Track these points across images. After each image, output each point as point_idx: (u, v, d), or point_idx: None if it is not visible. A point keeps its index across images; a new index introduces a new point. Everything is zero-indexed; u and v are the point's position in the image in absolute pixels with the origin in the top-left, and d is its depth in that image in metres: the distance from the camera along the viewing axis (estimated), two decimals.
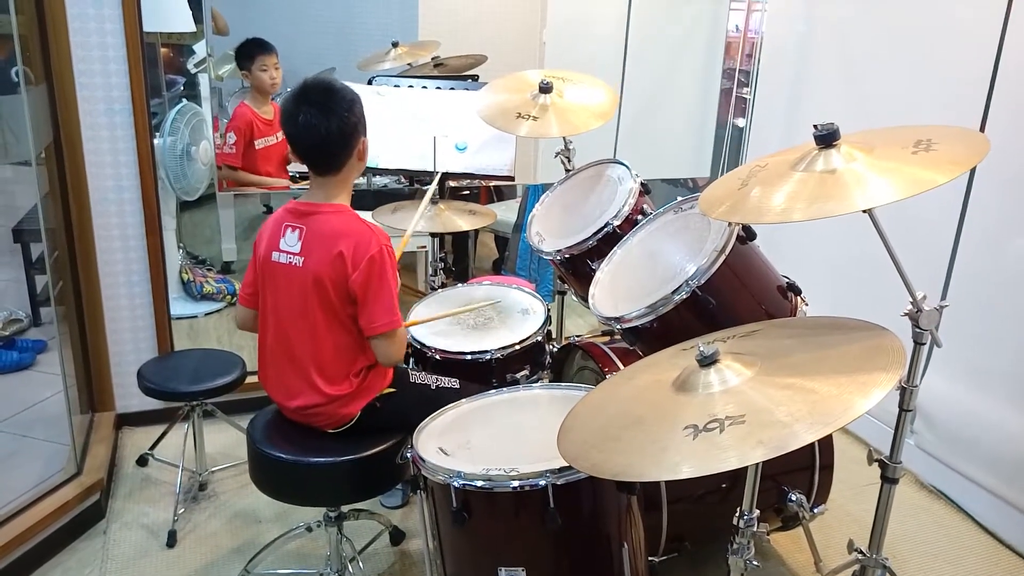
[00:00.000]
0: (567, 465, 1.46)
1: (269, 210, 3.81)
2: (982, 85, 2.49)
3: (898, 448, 1.69)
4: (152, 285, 2.85)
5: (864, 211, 1.37)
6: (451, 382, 2.09)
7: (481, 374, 2.20)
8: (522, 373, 2.26)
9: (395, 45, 3.39)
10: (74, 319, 2.77)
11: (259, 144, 3.33)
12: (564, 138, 2.58)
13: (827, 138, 1.46)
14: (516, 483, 1.54)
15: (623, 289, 1.99)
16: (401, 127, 2.77)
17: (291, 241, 1.86)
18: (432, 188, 2.55)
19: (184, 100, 3.46)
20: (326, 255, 1.81)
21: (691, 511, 2.07)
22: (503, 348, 2.22)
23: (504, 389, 1.99)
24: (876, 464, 1.73)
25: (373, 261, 1.80)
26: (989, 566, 2.41)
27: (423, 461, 1.65)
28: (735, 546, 1.49)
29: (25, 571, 2.21)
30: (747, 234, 1.86)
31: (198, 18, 3.29)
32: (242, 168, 3.30)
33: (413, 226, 2.37)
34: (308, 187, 1.94)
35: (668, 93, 3.71)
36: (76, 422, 2.60)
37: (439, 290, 2.63)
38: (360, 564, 2.23)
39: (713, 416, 1.21)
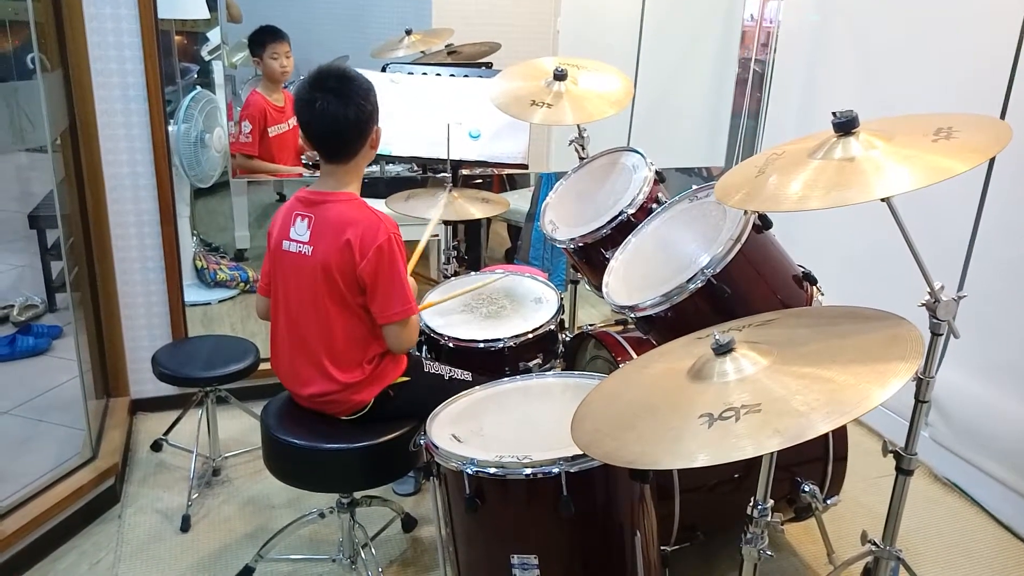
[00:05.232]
0: (580, 453, 1.46)
1: (282, 198, 3.82)
2: (1003, 72, 2.45)
3: (914, 439, 1.68)
4: (167, 272, 2.86)
5: (882, 200, 1.36)
6: (464, 375, 2.09)
7: (494, 362, 2.20)
8: (535, 362, 2.25)
9: (408, 33, 3.38)
10: (89, 305, 2.78)
11: (272, 132, 3.33)
12: (578, 126, 2.57)
13: (846, 125, 1.44)
14: (529, 470, 1.54)
15: (637, 278, 1.98)
16: (414, 115, 2.76)
17: (301, 230, 1.86)
18: (437, 216, 2.48)
19: (198, 87, 3.46)
20: (334, 243, 1.81)
21: (704, 501, 2.06)
22: (516, 336, 2.21)
23: (517, 377, 1.98)
24: (890, 456, 1.72)
25: (381, 250, 1.80)
26: (1003, 559, 2.40)
27: (436, 448, 1.65)
28: (748, 536, 1.49)
29: (41, 554, 2.24)
30: (763, 223, 1.84)
31: (212, 5, 3.28)
32: (257, 156, 3.31)
33: (424, 240, 2.36)
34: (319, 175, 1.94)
35: (683, 82, 3.69)
36: (91, 407, 2.62)
37: (451, 278, 2.63)
38: (372, 550, 2.24)
39: (729, 405, 1.20)
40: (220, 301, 3.62)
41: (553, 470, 1.53)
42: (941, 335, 1.57)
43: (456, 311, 2.39)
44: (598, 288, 2.12)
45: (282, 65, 3.29)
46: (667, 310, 1.80)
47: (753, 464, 1.41)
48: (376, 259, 1.80)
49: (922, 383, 1.63)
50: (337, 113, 1.78)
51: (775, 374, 1.25)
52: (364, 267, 1.80)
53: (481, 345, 2.21)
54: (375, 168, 3.35)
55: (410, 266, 2.07)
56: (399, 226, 1.88)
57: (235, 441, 2.81)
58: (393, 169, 3.45)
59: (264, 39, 3.27)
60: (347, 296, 1.85)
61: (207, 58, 3.62)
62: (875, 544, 1.78)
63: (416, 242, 2.36)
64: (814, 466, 2.15)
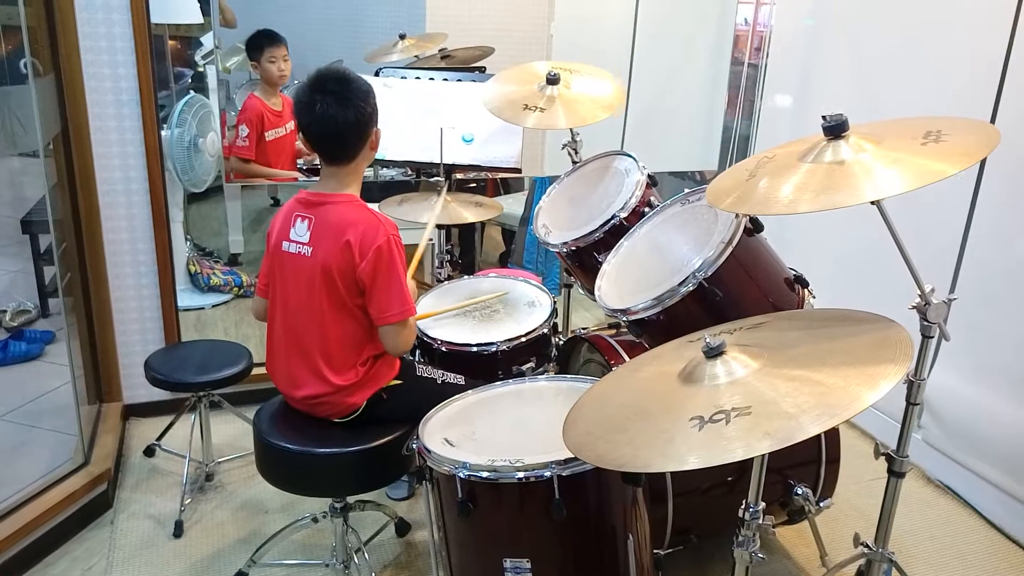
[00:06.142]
0: (573, 456, 1.46)
1: (276, 202, 3.81)
2: (993, 77, 2.47)
3: (905, 442, 1.68)
4: (160, 277, 2.86)
5: (872, 203, 1.37)
6: (456, 378, 2.09)
7: (487, 366, 2.20)
8: (528, 365, 2.25)
9: (402, 37, 3.38)
10: (82, 310, 2.78)
11: (269, 136, 3.33)
12: (571, 130, 2.58)
13: (836, 129, 1.45)
14: (521, 474, 1.54)
15: (630, 281, 1.99)
16: (408, 119, 2.76)
17: (301, 231, 1.86)
18: (434, 219, 2.49)
19: (191, 92, 3.46)
20: (334, 244, 1.82)
21: (697, 504, 2.06)
22: (509, 340, 2.22)
23: (510, 381, 1.99)
24: (883, 458, 1.72)
25: (380, 251, 1.81)
26: (995, 561, 2.40)
27: (429, 452, 1.65)
28: (740, 539, 1.49)
29: (34, 559, 2.23)
30: (754, 226, 1.85)
31: (206, 10, 3.28)
32: (254, 160, 3.31)
33: (425, 239, 2.36)
34: (317, 179, 1.94)
35: (676, 86, 3.70)
36: (84, 412, 2.61)
37: (445, 282, 2.63)
38: (366, 555, 2.23)
39: (719, 407, 1.21)
40: (214, 306, 3.62)
41: (545, 473, 1.53)
42: (932, 337, 1.57)
43: (449, 315, 2.39)
44: (591, 292, 2.13)
45: (280, 69, 3.29)
46: (659, 313, 1.81)
47: (746, 467, 1.41)
48: (375, 260, 1.81)
49: (913, 385, 1.63)
50: (337, 115, 1.79)
51: (765, 377, 1.26)
52: (363, 268, 1.81)
53: (474, 349, 2.21)
54: (369, 172, 3.34)
55: (410, 270, 2.07)
56: None
57: (228, 446, 2.80)
58: (387, 173, 3.46)
59: (262, 43, 3.27)
60: (345, 297, 1.85)
61: (201, 63, 3.61)
62: (868, 546, 1.78)
63: (413, 246, 2.36)
64: (807, 469, 2.15)
